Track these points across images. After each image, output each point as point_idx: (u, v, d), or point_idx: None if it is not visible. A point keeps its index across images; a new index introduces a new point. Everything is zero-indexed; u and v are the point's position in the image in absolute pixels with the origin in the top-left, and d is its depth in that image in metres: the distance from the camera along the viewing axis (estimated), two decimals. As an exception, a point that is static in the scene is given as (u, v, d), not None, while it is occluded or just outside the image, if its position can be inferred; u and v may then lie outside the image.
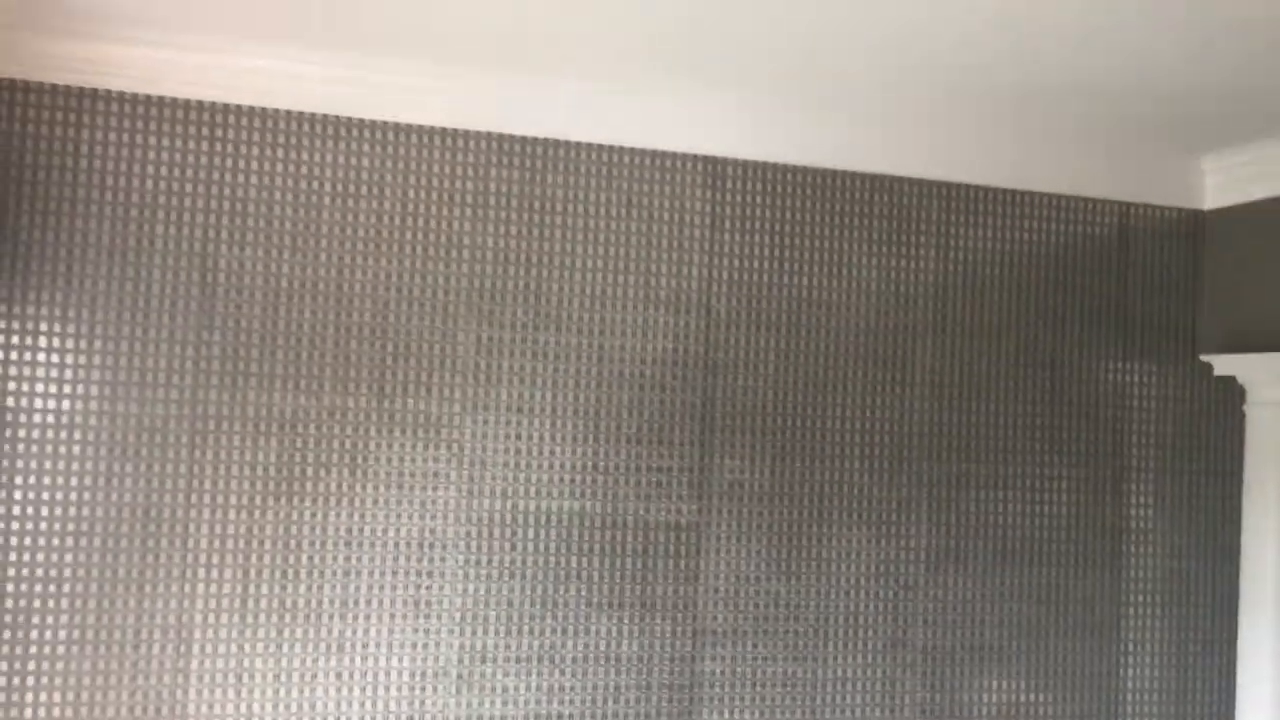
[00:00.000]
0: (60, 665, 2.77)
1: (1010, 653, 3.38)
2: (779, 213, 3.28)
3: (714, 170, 3.24)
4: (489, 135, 3.08)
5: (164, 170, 2.89)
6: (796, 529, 3.26)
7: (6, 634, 2.74)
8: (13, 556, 2.75)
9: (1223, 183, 3.44)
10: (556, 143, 3.13)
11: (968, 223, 3.41)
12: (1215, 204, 3.50)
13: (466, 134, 3.07)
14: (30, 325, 2.79)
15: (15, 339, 2.78)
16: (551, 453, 3.11)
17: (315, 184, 2.98)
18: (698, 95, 3.11)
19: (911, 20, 2.45)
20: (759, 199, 3.27)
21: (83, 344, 2.81)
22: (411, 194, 3.04)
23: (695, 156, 3.22)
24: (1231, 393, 3.52)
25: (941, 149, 3.36)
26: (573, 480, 3.12)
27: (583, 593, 3.12)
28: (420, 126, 3.04)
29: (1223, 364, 3.41)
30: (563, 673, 3.09)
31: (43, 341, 2.80)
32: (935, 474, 3.36)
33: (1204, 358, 3.49)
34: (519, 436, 3.09)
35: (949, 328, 3.38)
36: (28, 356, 2.78)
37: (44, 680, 2.76)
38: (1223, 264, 3.47)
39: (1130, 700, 3.45)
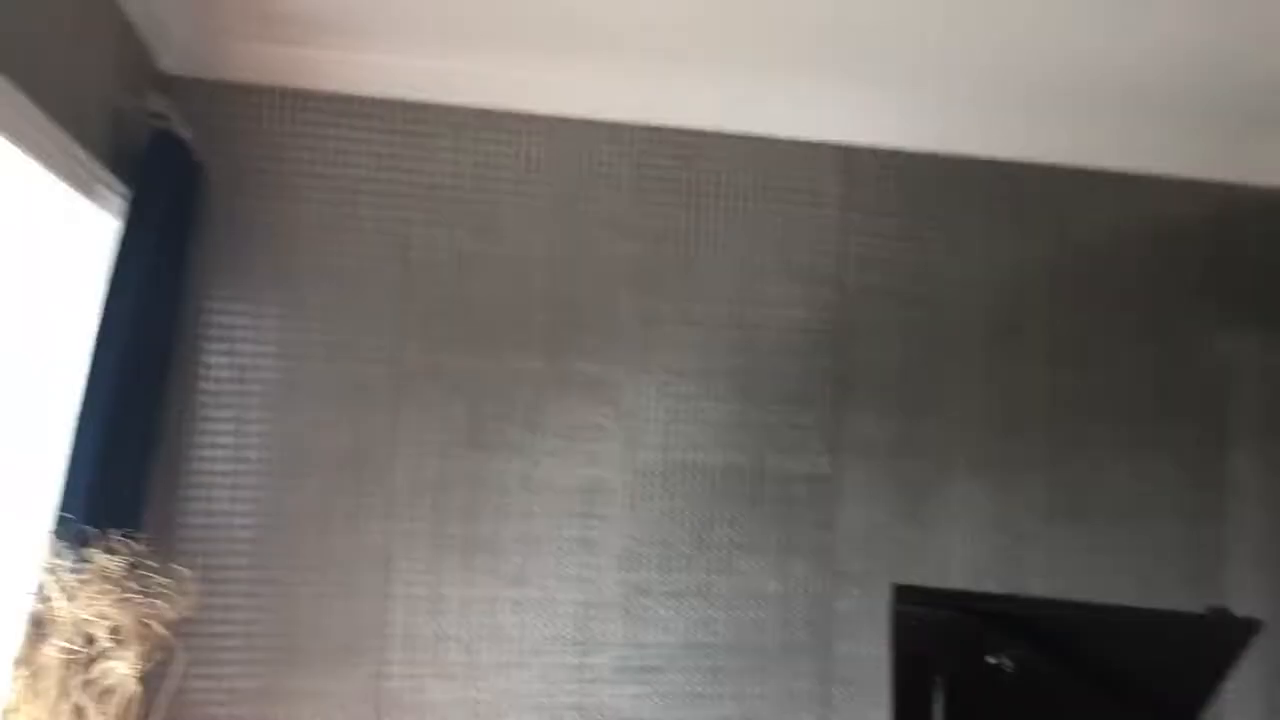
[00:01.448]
0: (284, 588, 3.19)
1: (1120, 600, 3.66)
2: (906, 195, 3.61)
3: (847, 157, 3.58)
4: (646, 127, 3.46)
5: (365, 159, 3.31)
6: (922, 481, 3.58)
7: (241, 560, 3.18)
8: (245, 493, 3.19)
9: (1322, 164, 3.70)
10: (705, 133, 3.49)
11: (1081, 204, 3.71)
12: (1315, 184, 3.75)
13: (628, 125, 3.44)
14: (256, 295, 3.22)
15: (244, 306, 3.22)
16: (701, 410, 3.47)
17: (495, 170, 3.38)
18: (832, 88, 3.45)
19: (1033, 18, 2.77)
20: (888, 183, 3.60)
21: (301, 311, 3.24)
22: (579, 179, 3.43)
23: (829, 145, 3.57)
24: (1331, 359, 3.77)
25: (1057, 134, 3.65)
26: (720, 435, 3.48)
27: (730, 536, 3.47)
28: (586, 120, 3.42)
29: (1322, 332, 3.66)
30: (713, 606, 3.45)
31: (268, 309, 3.23)
32: (1051, 435, 3.65)
33: (1304, 327, 3.74)
34: (674, 396, 3.46)
35: (1064, 301, 3.68)
36: (257, 323, 3.22)
37: (269, 600, 3.19)
38: (1322, 240, 3.72)
39: (1234, 645, 3.71)
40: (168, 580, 2.67)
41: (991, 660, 1.48)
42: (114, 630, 2.50)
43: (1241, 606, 3.66)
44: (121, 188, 2.61)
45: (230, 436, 3.19)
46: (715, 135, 3.50)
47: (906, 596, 1.56)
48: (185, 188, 2.87)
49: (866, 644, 3.51)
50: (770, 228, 3.53)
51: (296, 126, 3.27)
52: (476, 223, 3.36)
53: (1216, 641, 1.59)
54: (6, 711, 2.43)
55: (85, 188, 2.44)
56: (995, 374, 3.63)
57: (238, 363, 3.21)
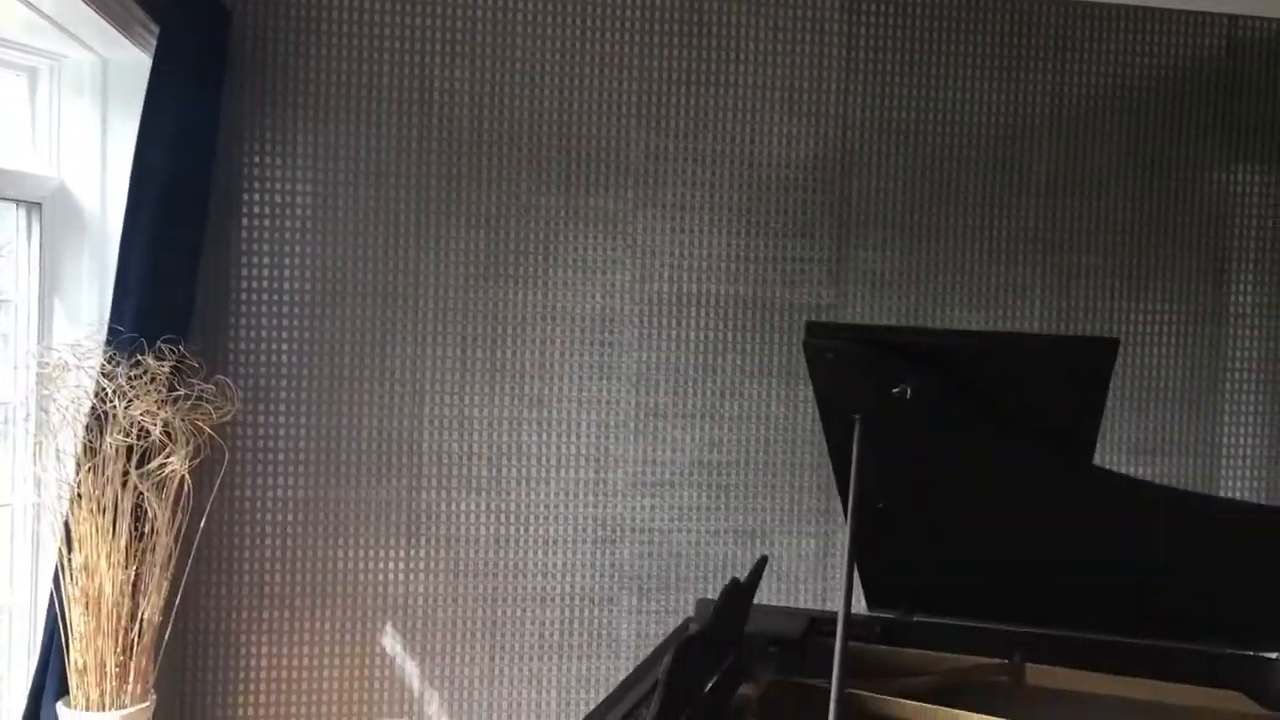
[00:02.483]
0: (324, 404, 3.49)
1: (1116, 426, 3.83)
2: (909, 31, 3.71)
3: (850, -5, 3.69)
4: (654, -31, 3.59)
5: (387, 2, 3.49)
6: (922, 312, 3.76)
7: (284, 381, 3.47)
8: (284, 320, 3.47)
9: (1328, -8, 3.72)
10: (712, -26, 3.62)
11: (1083, 37, 3.78)
12: (1321, 13, 3.78)
13: (635, -32, 3.58)
14: (288, 135, 3.45)
15: (277, 145, 3.44)
16: (710, 244, 3.66)
17: (510, 13, 3.54)
18: (836, -74, 3.55)
19: None
20: (891, 20, 3.70)
21: (330, 150, 3.47)
22: (591, 20, 3.58)
23: (834, -17, 3.68)
24: (1330, 188, 3.84)
25: (1059, -31, 3.72)
26: (728, 267, 3.67)
27: (737, 362, 3.69)
28: (596, -37, 3.56)
29: (1321, 160, 3.74)
30: (721, 427, 3.69)
31: (301, 148, 3.46)
32: (1049, 264, 3.79)
33: (1304, 156, 3.81)
34: (683, 230, 3.65)
35: (1063, 133, 3.79)
36: (290, 161, 3.45)
37: (310, 418, 3.48)
38: (1326, 69, 3.77)
39: (1226, 463, 3.88)
40: (212, 387, 2.97)
41: (894, 391, 1.67)
42: (165, 427, 2.80)
43: (1238, 432, 3.83)
44: (153, 25, 2.83)
45: (269, 268, 3.45)
46: (721, -24, 3.62)
47: (817, 332, 1.75)
48: (213, 27, 3.08)
49: (866, 461, 3.72)
50: (775, 65, 3.66)
51: (320, -25, 3.45)
52: (492, 63, 3.53)
53: (1083, 360, 1.77)
54: (73, 498, 2.76)
55: (122, 23, 2.66)
56: (995, 206, 3.77)
57: (273, 199, 3.45)
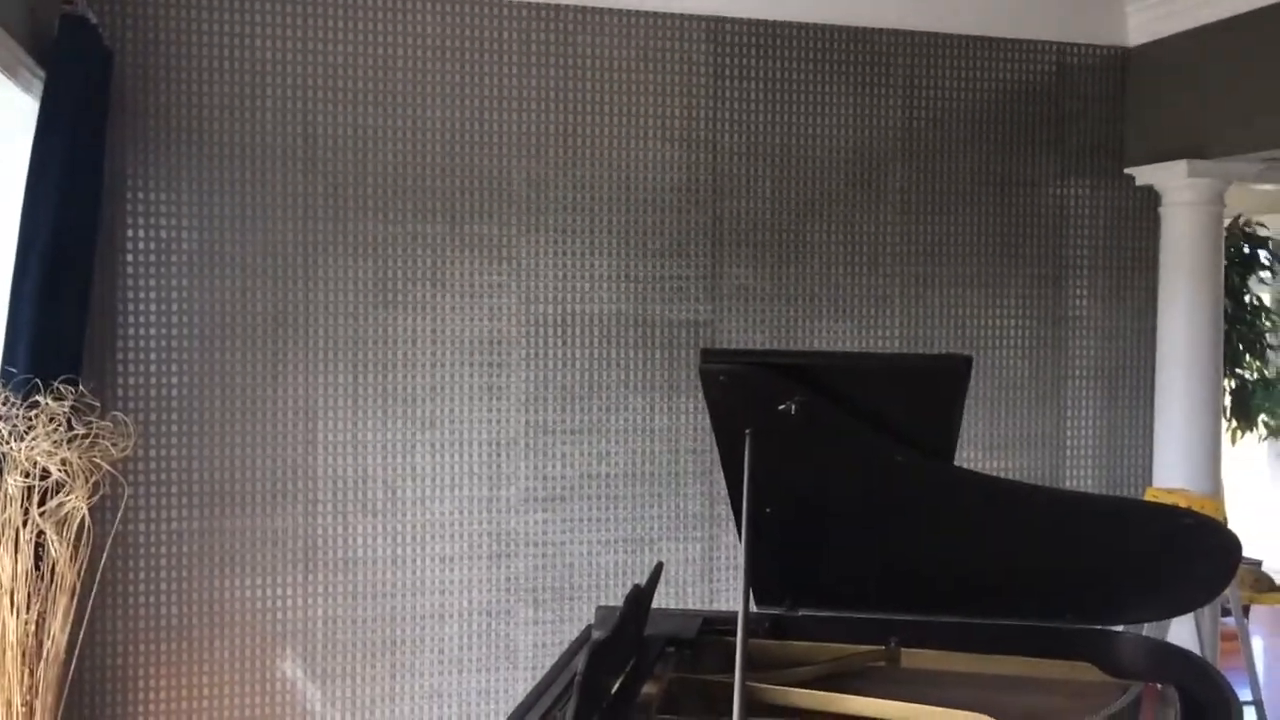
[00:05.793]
0: (216, 436, 3.53)
1: (972, 424, 4.13)
2: (770, 61, 3.95)
3: (715, 28, 3.90)
4: (529, 4, 3.74)
5: (269, 42, 3.56)
6: (792, 324, 3.99)
7: (175, 415, 3.50)
8: (174, 355, 3.50)
9: (1143, 22, 4.10)
10: (584, 9, 3.79)
11: (930, 65, 4.08)
12: (1137, 41, 4.16)
13: (511, 4, 3.72)
14: (172, 173, 3.49)
15: (161, 183, 3.48)
16: (591, 265, 3.83)
17: (391, 50, 3.65)
18: (699, -36, 3.75)
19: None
20: (753, 51, 3.94)
21: (215, 187, 3.52)
22: (469, 55, 3.71)
23: (699, 17, 3.88)
24: (1151, 199, 4.21)
25: (909, 2, 4.00)
26: (609, 287, 3.84)
27: (621, 378, 3.86)
28: (472, -1, 3.70)
29: (1143, 174, 4.11)
30: (608, 441, 3.85)
31: (185, 186, 3.50)
32: (906, 275, 4.08)
33: (1128, 171, 4.18)
34: (565, 253, 3.81)
35: (915, 154, 4.08)
36: (174, 198, 3.49)
37: (203, 450, 3.52)
38: (1143, 92, 4.14)
39: (1070, 455, 4.22)
40: (108, 425, 3.00)
41: (780, 407, 1.87)
42: (64, 465, 2.83)
43: (1079, 426, 4.17)
44: (39, 70, 2.86)
45: (155, 304, 3.48)
46: (593, 10, 3.79)
47: (710, 358, 1.94)
48: (97, 69, 3.11)
49: (745, 467, 3.94)
50: (647, 96, 3.85)
51: (201, 12, 3.49)
52: (375, 100, 3.63)
53: (943, 375, 2.01)
54: (-27, 540, 2.77)
55: (9, 69, 2.69)
56: (855, 223, 4.03)
57: (159, 236, 3.48)
